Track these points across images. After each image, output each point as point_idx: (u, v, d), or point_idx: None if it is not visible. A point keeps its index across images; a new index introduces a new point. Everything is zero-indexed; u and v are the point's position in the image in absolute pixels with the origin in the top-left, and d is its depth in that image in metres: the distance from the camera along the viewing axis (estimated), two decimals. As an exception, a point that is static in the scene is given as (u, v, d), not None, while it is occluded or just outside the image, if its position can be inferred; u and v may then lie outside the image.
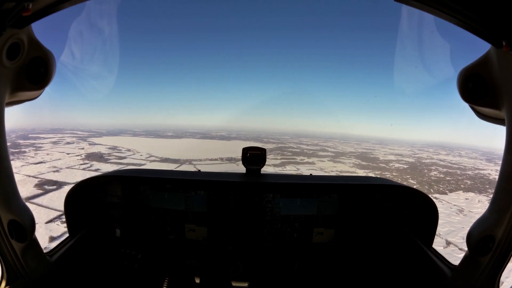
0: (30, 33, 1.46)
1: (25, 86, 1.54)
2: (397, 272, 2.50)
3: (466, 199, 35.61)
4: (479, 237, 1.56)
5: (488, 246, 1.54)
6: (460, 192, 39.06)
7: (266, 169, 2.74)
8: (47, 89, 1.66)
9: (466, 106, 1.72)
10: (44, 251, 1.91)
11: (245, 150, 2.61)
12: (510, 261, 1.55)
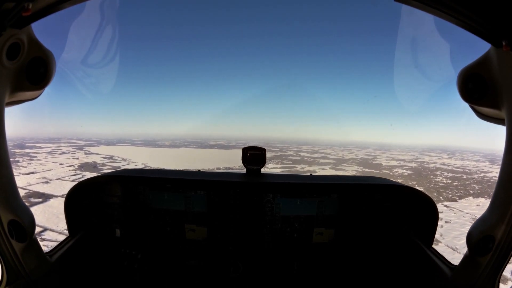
0: (30, 33, 1.47)
1: (25, 86, 1.54)
2: (397, 272, 2.47)
3: (477, 205, 34.87)
4: (479, 237, 1.56)
5: (488, 246, 1.54)
6: (470, 198, 38.48)
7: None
8: (47, 89, 1.65)
9: (465, 107, 1.73)
10: (44, 251, 1.88)
11: (245, 150, 2.63)
12: (510, 261, 1.54)
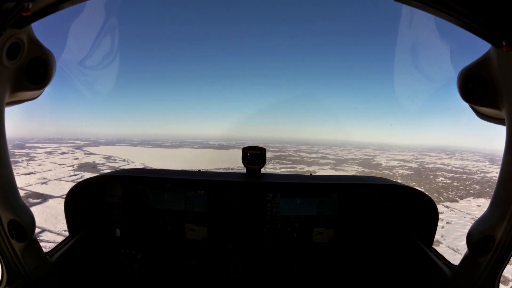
0: (30, 33, 1.47)
1: (25, 86, 1.54)
2: (397, 272, 2.48)
3: (478, 206, 34.65)
4: (479, 237, 1.56)
5: (488, 246, 1.54)
6: (471, 198, 38.25)
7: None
8: (47, 89, 1.65)
9: (465, 107, 1.73)
10: (44, 251, 1.89)
11: (245, 150, 2.64)
12: (510, 261, 1.54)
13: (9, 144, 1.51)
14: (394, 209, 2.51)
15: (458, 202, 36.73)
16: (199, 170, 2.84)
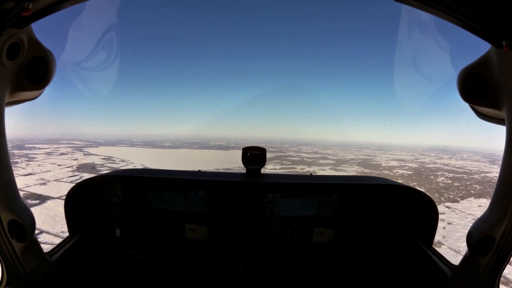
0: (30, 33, 1.48)
1: (25, 86, 1.54)
2: (397, 272, 2.48)
3: (479, 206, 34.48)
4: (479, 237, 1.56)
5: (488, 246, 1.54)
6: (472, 198, 38.17)
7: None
8: (47, 89, 1.66)
9: (465, 107, 1.73)
10: (44, 251, 1.89)
11: (245, 150, 2.65)
12: (510, 261, 1.54)
13: (9, 145, 1.51)
14: (394, 209, 2.51)
15: (459, 202, 36.56)
16: (199, 170, 2.84)
